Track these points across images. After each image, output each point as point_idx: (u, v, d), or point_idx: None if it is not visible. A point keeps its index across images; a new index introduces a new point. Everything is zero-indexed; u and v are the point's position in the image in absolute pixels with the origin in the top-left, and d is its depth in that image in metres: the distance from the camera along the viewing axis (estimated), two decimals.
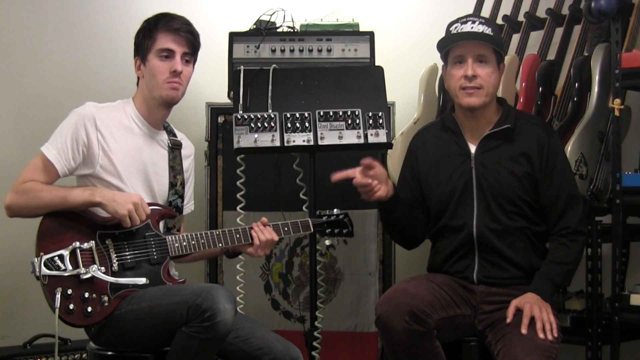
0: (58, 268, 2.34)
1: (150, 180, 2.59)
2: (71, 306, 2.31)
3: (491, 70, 2.55)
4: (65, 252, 2.36)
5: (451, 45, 2.58)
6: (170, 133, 2.69)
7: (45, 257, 2.33)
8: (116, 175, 2.51)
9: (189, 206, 2.76)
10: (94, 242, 2.40)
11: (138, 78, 2.64)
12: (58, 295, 2.29)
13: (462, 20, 2.60)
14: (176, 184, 2.65)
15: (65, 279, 2.33)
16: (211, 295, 2.24)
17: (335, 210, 2.72)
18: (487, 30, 2.56)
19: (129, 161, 2.54)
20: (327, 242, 2.73)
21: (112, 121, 2.55)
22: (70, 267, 2.34)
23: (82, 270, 2.35)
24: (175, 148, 2.67)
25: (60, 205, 2.40)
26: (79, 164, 2.50)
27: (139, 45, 2.61)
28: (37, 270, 2.32)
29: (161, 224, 2.57)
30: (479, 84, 2.53)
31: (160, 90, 2.56)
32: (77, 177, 2.55)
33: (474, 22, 2.58)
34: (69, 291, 2.32)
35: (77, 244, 2.38)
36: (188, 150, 2.75)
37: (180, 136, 2.74)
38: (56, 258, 2.34)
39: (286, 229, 2.63)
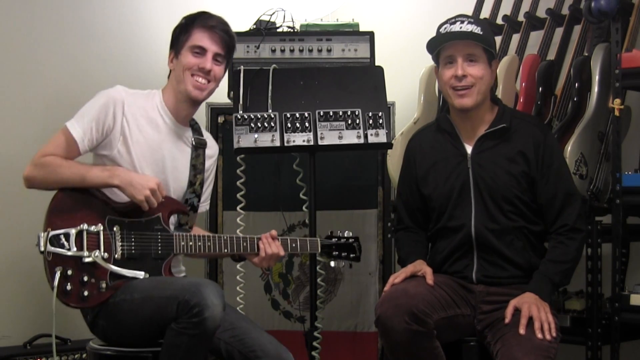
0: (62, 246, 2.33)
1: (167, 174, 2.58)
2: (68, 287, 2.31)
3: (482, 68, 2.55)
4: (72, 232, 2.35)
5: (440, 46, 2.58)
6: (197, 131, 2.69)
7: (51, 233, 2.33)
8: (130, 164, 2.50)
9: (204, 205, 2.75)
10: (102, 226, 2.40)
11: (170, 71, 2.65)
12: (57, 274, 2.30)
13: (451, 20, 2.60)
14: (195, 183, 2.64)
15: (67, 259, 2.33)
16: (199, 291, 2.24)
17: (347, 232, 2.73)
18: (476, 30, 2.55)
19: (147, 152, 2.54)
20: (332, 264, 2.72)
21: (139, 109, 2.55)
22: (74, 248, 2.34)
23: (85, 253, 2.35)
24: (199, 147, 2.66)
25: (78, 183, 2.41)
26: (99, 143, 2.50)
27: (175, 40, 2.62)
28: (42, 245, 2.32)
29: (172, 219, 2.56)
30: (469, 83, 2.53)
31: (186, 84, 2.56)
32: (94, 154, 2.55)
33: (462, 22, 2.57)
34: (69, 272, 2.32)
35: (85, 225, 2.37)
36: (212, 151, 2.74)
37: (206, 135, 2.73)
38: (61, 236, 2.34)
39: (294, 245, 2.63)
